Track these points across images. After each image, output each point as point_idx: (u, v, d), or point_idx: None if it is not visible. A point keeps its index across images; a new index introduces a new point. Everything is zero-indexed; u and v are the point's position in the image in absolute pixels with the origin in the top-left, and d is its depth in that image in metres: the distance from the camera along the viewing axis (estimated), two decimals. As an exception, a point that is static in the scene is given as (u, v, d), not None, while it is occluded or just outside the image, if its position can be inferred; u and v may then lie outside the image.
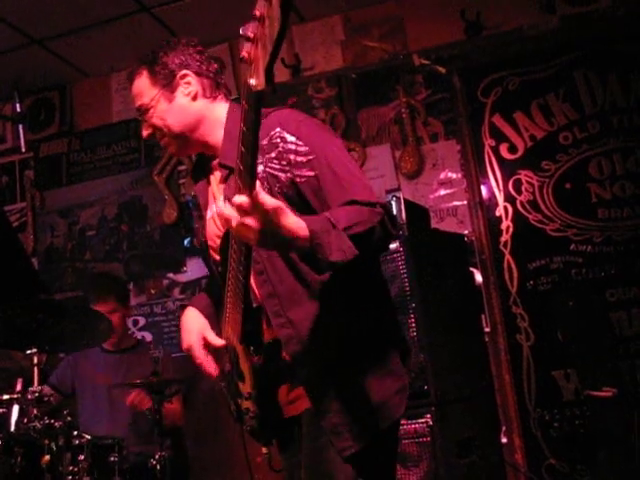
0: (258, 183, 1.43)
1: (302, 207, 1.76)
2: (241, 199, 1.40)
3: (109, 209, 5.41)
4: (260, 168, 1.79)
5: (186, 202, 5.18)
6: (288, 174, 1.80)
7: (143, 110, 2.02)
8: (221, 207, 1.51)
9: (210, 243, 2.06)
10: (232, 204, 1.42)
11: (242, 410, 1.96)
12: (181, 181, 5.22)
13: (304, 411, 1.87)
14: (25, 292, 3.16)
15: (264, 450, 2.03)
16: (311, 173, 1.79)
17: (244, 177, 1.43)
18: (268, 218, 1.43)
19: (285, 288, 1.83)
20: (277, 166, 1.81)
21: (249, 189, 1.41)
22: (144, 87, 2.01)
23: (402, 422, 3.23)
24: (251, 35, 1.30)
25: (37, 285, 3.35)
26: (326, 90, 4.95)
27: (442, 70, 4.61)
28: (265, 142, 1.82)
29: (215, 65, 2.05)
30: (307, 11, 4.94)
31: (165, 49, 2.01)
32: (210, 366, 2.01)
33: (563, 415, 4.05)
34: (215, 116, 2.00)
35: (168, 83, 1.98)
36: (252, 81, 1.31)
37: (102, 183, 5.47)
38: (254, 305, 1.89)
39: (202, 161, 2.15)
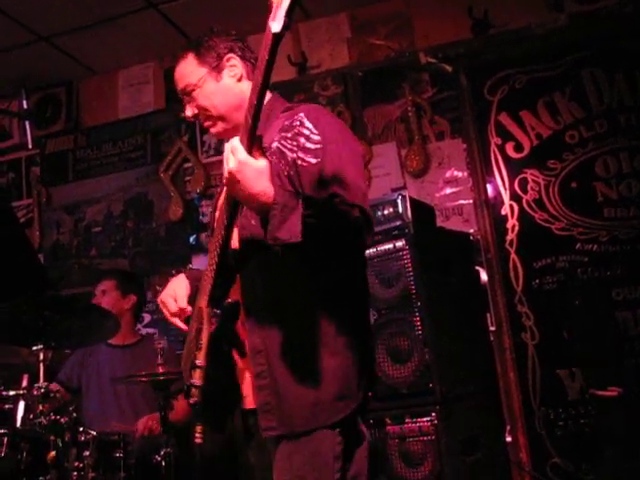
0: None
1: (299, 189, 1.80)
2: (234, 141, 1.63)
3: (115, 206, 5.43)
4: (274, 144, 1.88)
5: (192, 199, 5.18)
6: (294, 155, 1.85)
7: (189, 90, 2.09)
8: (227, 145, 1.67)
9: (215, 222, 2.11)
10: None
11: (190, 381, 1.91)
12: (187, 178, 5.22)
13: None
14: (32, 288, 3.17)
15: (198, 429, 1.97)
16: (313, 160, 1.82)
17: (247, 120, 1.60)
18: (245, 168, 1.61)
19: (264, 256, 1.83)
20: (288, 145, 1.87)
21: (247, 136, 1.61)
22: (191, 68, 2.09)
23: (406, 420, 3.26)
24: None
25: (44, 281, 3.36)
26: (332, 88, 4.95)
27: (448, 68, 4.60)
28: (287, 122, 1.92)
29: (255, 53, 2.11)
30: (313, 8, 4.94)
31: (209, 34, 2.12)
32: (179, 323, 2.05)
33: (568, 414, 4.04)
34: None
35: (216, 65, 2.08)
36: (273, 24, 1.45)
37: (108, 180, 5.48)
38: (230, 268, 1.91)
39: None
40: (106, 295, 4.09)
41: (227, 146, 1.65)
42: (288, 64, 4.94)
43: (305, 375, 1.81)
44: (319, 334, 1.82)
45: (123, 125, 5.52)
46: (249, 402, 1.93)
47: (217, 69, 2.07)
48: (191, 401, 1.90)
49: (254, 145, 1.63)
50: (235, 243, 1.89)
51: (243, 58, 2.10)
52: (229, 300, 1.90)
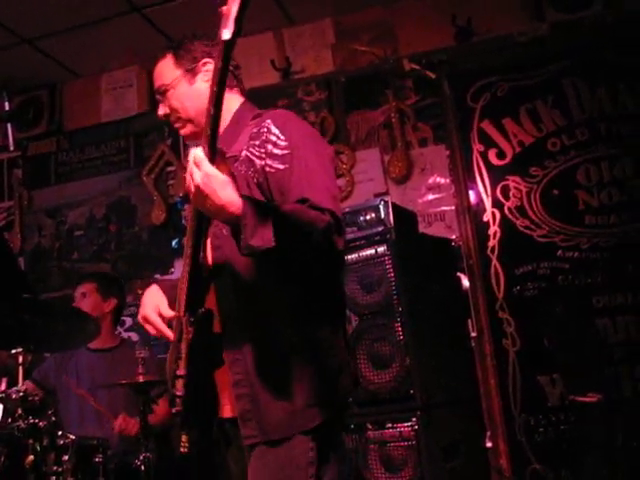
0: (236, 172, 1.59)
1: (269, 196, 1.85)
2: (196, 152, 1.62)
3: (97, 209, 5.40)
4: (243, 152, 1.91)
5: (175, 203, 5.17)
6: (262, 162, 1.87)
7: (162, 90, 2.13)
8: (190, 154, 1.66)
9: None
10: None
11: (174, 391, 1.90)
12: (170, 182, 5.21)
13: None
14: (10, 292, 3.15)
15: (184, 438, 1.95)
16: (281, 166, 1.84)
17: (206, 131, 1.60)
18: (211, 179, 1.60)
19: (237, 259, 1.83)
20: (256, 152, 1.89)
21: (208, 146, 1.60)
22: (167, 68, 2.13)
23: (387, 425, 3.26)
24: None
25: (23, 284, 3.34)
26: (316, 93, 4.96)
27: (432, 75, 4.63)
28: (255, 130, 1.94)
29: (235, 61, 2.12)
30: (298, 14, 4.95)
31: (191, 38, 2.14)
32: (168, 332, 1.99)
33: (548, 420, 4.05)
34: (226, 106, 2.02)
35: (191, 68, 2.10)
36: (224, 31, 1.48)
37: (90, 183, 5.45)
38: (204, 275, 1.90)
39: None
40: (86, 298, 4.06)
41: (190, 158, 1.64)
42: (272, 69, 4.95)
43: (281, 383, 1.81)
44: (294, 341, 1.82)
45: (106, 128, 5.50)
46: (227, 411, 1.94)
47: (192, 72, 2.09)
48: (174, 410, 1.89)
49: (215, 155, 1.63)
50: (208, 252, 1.89)
51: None
52: (202, 309, 1.88)
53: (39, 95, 5.58)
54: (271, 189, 1.84)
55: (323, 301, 1.92)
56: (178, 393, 1.86)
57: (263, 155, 1.87)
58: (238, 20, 1.47)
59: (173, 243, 5.11)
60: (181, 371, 1.85)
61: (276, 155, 1.86)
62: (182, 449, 1.93)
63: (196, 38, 2.13)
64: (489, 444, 4.06)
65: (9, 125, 3.78)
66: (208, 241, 1.87)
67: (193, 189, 1.63)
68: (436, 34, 4.68)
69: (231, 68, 2.06)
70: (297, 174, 1.82)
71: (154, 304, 2.04)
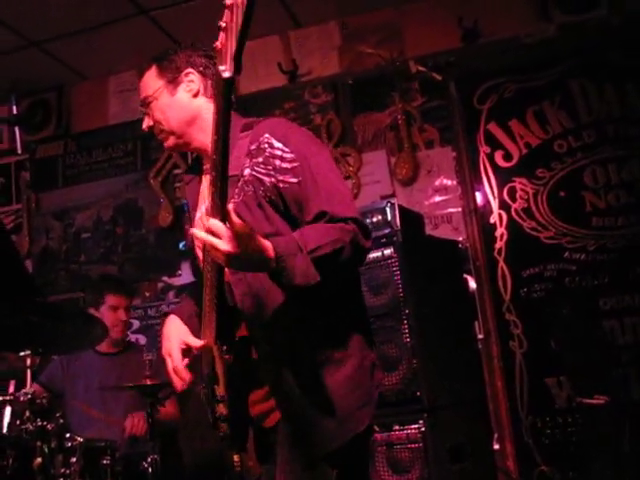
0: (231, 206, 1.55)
1: (283, 212, 1.84)
2: (212, 223, 1.57)
3: (104, 212, 5.41)
4: (247, 171, 1.88)
5: (181, 205, 5.18)
6: (272, 179, 1.85)
7: (146, 102, 2.10)
8: (196, 232, 1.63)
9: (197, 243, 2.08)
10: (205, 226, 1.57)
11: (216, 414, 1.94)
12: (177, 184, 5.22)
13: (279, 421, 1.89)
14: (17, 294, 3.16)
15: (236, 458, 1.99)
16: (294, 180, 1.83)
17: (217, 190, 1.56)
18: (236, 242, 1.56)
19: (260, 287, 1.84)
20: (263, 170, 1.86)
21: (221, 208, 1.56)
22: (150, 80, 2.10)
23: (394, 427, 3.26)
24: (223, 25, 1.40)
25: (30, 287, 3.35)
26: (322, 95, 4.96)
27: (438, 77, 4.63)
28: (254, 147, 1.90)
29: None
30: (304, 17, 4.95)
31: (175, 49, 2.11)
32: (181, 376, 1.99)
33: (555, 422, 4.05)
34: (211, 116, 2.02)
35: (173, 78, 2.06)
36: (222, 67, 1.43)
37: (98, 186, 5.47)
38: (230, 304, 1.91)
39: (198, 160, 2.19)
40: (119, 310, 4.05)
41: (204, 235, 1.59)
42: (278, 72, 4.95)
43: (324, 395, 1.82)
44: (330, 348, 1.85)
45: (113, 131, 5.51)
46: (269, 420, 1.93)
47: (174, 83, 2.06)
48: (220, 433, 1.93)
49: (226, 211, 1.58)
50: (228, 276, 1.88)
51: (203, 74, 2.07)
52: (237, 336, 1.90)
53: (47, 98, 5.60)
54: (287, 204, 1.83)
55: (352, 301, 1.96)
56: (223, 414, 1.89)
57: (271, 172, 1.85)
58: (237, 59, 1.41)
59: (180, 245, 5.12)
60: (222, 394, 1.88)
61: (286, 169, 1.84)
62: (237, 469, 1.97)
63: (180, 49, 2.10)
64: (496, 446, 4.06)
65: (17, 128, 3.78)
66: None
67: (224, 259, 1.59)
68: (443, 36, 4.68)
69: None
70: (311, 185, 1.81)
71: (178, 338, 2.03)
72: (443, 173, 4.58)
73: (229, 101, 1.51)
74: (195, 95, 2.05)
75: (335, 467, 1.82)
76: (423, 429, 3.20)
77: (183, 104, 2.05)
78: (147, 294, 5.11)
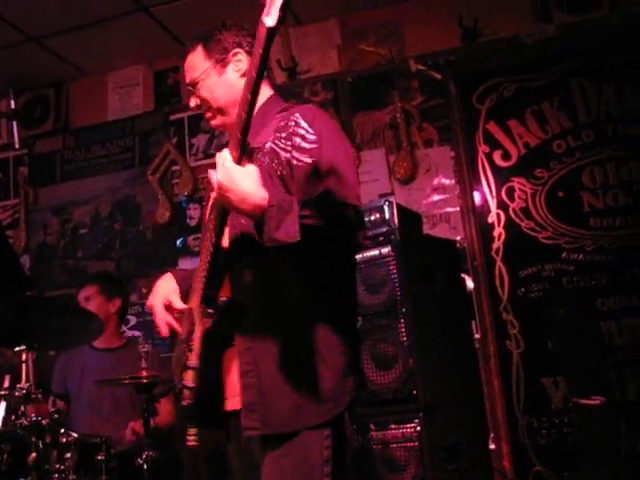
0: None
1: (291, 188, 1.84)
2: (221, 153, 1.67)
3: (102, 207, 5.41)
4: (268, 144, 1.91)
5: (179, 202, 5.18)
6: (288, 154, 1.86)
7: (194, 82, 2.11)
8: (210, 171, 1.72)
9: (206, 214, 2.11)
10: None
11: (182, 381, 1.90)
12: (175, 181, 5.22)
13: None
14: (12, 289, 3.16)
15: (192, 431, 1.93)
16: (309, 160, 1.83)
17: (240, 117, 1.63)
18: (226, 175, 1.64)
19: (255, 256, 1.85)
20: (282, 145, 1.89)
21: (240, 130, 1.64)
22: (197, 61, 2.11)
23: (390, 426, 3.26)
24: None
25: (24, 282, 3.35)
26: (322, 93, 4.96)
27: (438, 76, 4.62)
28: (283, 123, 1.93)
29: None
30: (304, 14, 4.95)
31: (220, 29, 2.13)
32: (165, 325, 2.03)
33: (551, 422, 4.05)
34: None
35: (221, 59, 2.09)
36: (267, 19, 1.48)
37: (96, 181, 5.46)
38: (220, 266, 1.91)
39: None
40: (91, 301, 4.03)
41: (218, 159, 1.68)
42: (278, 69, 4.94)
43: (290, 375, 1.81)
44: (307, 335, 1.82)
45: (112, 127, 5.51)
46: (231, 404, 1.92)
47: (222, 63, 2.08)
48: (184, 403, 1.89)
49: (245, 146, 1.66)
50: (225, 241, 1.89)
51: (250, 54, 2.06)
52: (223, 298, 1.89)
53: (45, 93, 5.60)
54: (296, 181, 1.83)
55: (338, 294, 1.93)
56: (189, 384, 1.86)
57: (289, 148, 1.87)
58: (283, 8, 1.47)
59: (177, 242, 5.12)
60: (192, 362, 1.86)
61: (304, 148, 1.85)
62: (190, 442, 1.92)
63: (225, 29, 2.13)
64: (492, 446, 4.06)
65: (15, 123, 3.77)
66: (226, 230, 1.87)
67: (216, 186, 1.66)
68: (442, 35, 4.67)
69: None
70: (324, 167, 1.81)
71: (164, 295, 2.08)
72: (441, 172, 4.58)
73: (267, 51, 1.54)
74: (243, 75, 2.06)
75: (287, 457, 1.79)
76: (419, 428, 3.20)
77: (232, 83, 2.06)
78: (144, 290, 5.09)
